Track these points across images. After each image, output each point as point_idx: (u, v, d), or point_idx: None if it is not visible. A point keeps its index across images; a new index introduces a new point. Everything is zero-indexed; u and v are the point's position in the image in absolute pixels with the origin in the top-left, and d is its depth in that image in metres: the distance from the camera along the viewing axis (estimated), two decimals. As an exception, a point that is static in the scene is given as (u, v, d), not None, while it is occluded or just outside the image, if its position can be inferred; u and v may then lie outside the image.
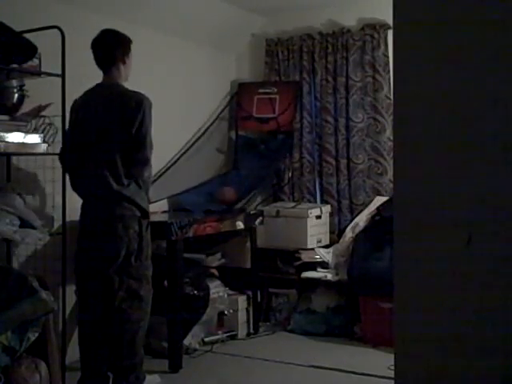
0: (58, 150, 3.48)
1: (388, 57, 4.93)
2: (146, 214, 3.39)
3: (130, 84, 4.48)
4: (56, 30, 3.44)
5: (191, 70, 5.07)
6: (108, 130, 3.31)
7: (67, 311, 3.74)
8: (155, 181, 4.66)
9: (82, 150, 3.36)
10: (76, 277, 3.50)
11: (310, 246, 4.86)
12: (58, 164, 3.51)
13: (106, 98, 3.37)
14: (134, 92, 3.40)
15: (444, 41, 1.32)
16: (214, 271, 4.64)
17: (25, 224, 3.32)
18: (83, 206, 3.44)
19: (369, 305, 4.39)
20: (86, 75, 4.05)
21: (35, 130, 3.46)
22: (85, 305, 3.50)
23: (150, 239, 3.47)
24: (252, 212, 4.78)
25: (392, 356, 1.44)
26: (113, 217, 3.33)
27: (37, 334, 3.02)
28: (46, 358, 3.12)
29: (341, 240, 4.89)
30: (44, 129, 3.46)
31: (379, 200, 4.76)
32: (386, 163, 4.96)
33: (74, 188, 3.44)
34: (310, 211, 4.88)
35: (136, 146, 3.30)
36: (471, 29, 1.29)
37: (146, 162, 3.35)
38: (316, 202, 5.23)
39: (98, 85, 3.44)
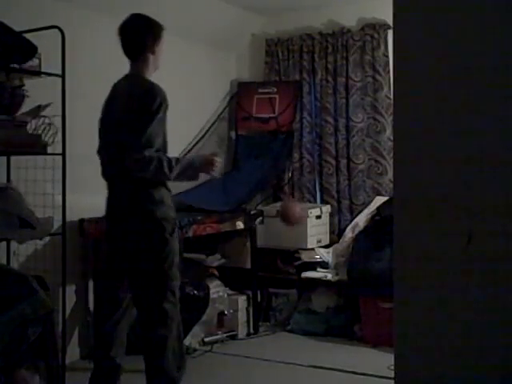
0: (57, 150, 3.48)
1: (388, 57, 4.93)
2: (165, 215, 3.04)
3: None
4: (56, 30, 3.44)
5: (191, 69, 5.07)
6: (122, 126, 3.04)
7: (67, 311, 3.74)
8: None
9: (106, 148, 3.17)
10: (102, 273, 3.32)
11: (309, 246, 4.86)
12: (58, 164, 3.51)
13: (126, 92, 3.13)
14: (152, 84, 3.10)
15: (444, 41, 1.32)
16: (214, 271, 4.64)
17: (25, 224, 3.32)
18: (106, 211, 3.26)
19: (369, 305, 4.39)
20: (85, 75, 4.06)
21: (35, 130, 3.45)
22: (102, 308, 3.28)
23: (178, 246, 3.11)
24: (252, 212, 4.78)
25: (392, 356, 1.44)
26: (130, 219, 3.06)
27: (37, 334, 3.02)
28: (46, 358, 3.12)
29: (341, 240, 4.89)
30: (44, 129, 3.45)
31: (379, 200, 4.76)
32: (386, 163, 4.96)
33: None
34: (310, 211, 4.88)
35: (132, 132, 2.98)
36: (471, 28, 1.29)
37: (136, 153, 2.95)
38: (316, 202, 5.23)
39: (124, 76, 3.19)
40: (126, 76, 3.20)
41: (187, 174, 3.14)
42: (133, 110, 3.02)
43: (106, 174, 3.20)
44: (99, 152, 3.22)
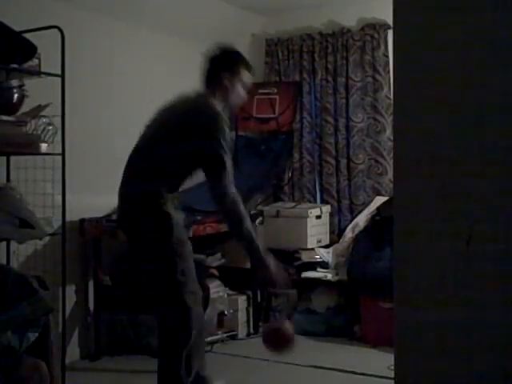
0: (57, 150, 3.48)
1: (388, 57, 4.93)
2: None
3: (127, 83, 4.49)
4: (56, 30, 3.44)
5: (191, 69, 5.06)
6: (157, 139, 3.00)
7: (67, 311, 3.74)
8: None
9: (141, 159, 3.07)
10: None
11: (309, 246, 4.86)
12: (58, 164, 3.51)
13: (184, 112, 3.02)
14: (209, 107, 2.97)
15: (444, 41, 1.32)
16: (214, 271, 4.64)
17: (25, 224, 3.32)
18: None
19: (369, 305, 4.39)
20: (85, 75, 4.06)
21: (35, 130, 3.45)
22: None
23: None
24: (252, 212, 4.77)
25: (392, 356, 1.44)
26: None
27: (37, 334, 3.01)
28: (46, 358, 3.12)
29: (341, 240, 4.89)
30: (43, 129, 3.45)
31: (379, 200, 4.76)
32: (386, 163, 4.96)
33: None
34: (309, 211, 4.88)
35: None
36: (471, 28, 1.29)
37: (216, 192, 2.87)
38: (316, 202, 5.23)
39: (187, 95, 3.14)
40: (190, 95, 3.11)
41: (255, 247, 2.95)
42: (195, 136, 2.89)
43: (125, 183, 3.07)
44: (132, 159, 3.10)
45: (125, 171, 3.09)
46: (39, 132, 3.44)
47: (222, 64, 3.13)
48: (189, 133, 2.91)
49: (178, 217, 3.03)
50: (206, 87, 3.13)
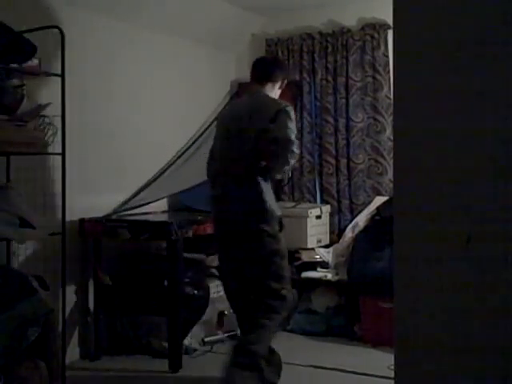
0: (57, 150, 3.48)
1: (388, 57, 4.93)
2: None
3: (127, 82, 4.49)
4: (56, 30, 3.44)
5: (191, 69, 5.07)
6: (242, 132, 3.40)
7: (67, 311, 3.74)
8: (155, 180, 4.67)
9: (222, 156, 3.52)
10: None
11: (309, 246, 4.86)
12: (58, 164, 3.51)
13: (248, 104, 3.50)
14: (274, 100, 3.49)
15: (444, 41, 1.32)
16: (214, 271, 4.64)
17: (25, 224, 3.32)
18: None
19: (369, 305, 4.39)
20: (85, 75, 4.06)
21: (35, 130, 3.45)
22: None
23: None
24: (252, 212, 4.76)
25: (392, 356, 1.44)
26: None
27: (37, 334, 3.02)
28: (46, 358, 3.12)
29: (341, 240, 4.89)
30: (44, 128, 3.45)
31: (379, 200, 4.76)
32: (386, 163, 4.96)
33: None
34: (309, 211, 4.88)
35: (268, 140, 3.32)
36: (471, 28, 1.29)
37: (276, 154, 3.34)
38: (316, 202, 5.23)
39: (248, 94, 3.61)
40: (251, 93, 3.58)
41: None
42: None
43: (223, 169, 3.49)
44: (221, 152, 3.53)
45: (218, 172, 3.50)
46: (39, 132, 3.44)
47: (277, 69, 3.60)
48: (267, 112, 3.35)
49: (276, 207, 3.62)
50: (259, 82, 3.56)
